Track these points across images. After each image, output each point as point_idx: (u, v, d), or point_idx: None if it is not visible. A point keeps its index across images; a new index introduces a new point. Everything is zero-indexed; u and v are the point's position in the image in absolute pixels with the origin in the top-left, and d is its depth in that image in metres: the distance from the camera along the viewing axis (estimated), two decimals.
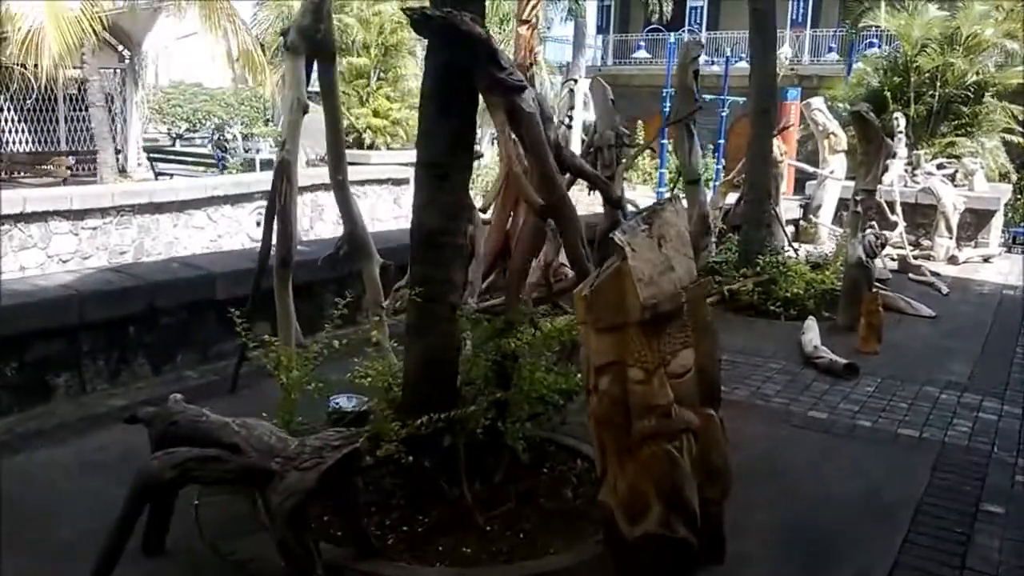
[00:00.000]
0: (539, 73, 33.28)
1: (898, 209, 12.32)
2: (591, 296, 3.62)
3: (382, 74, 20.81)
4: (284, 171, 4.61)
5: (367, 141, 19.81)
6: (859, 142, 9.97)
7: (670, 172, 30.59)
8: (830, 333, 8.10)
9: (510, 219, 8.31)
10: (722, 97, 28.93)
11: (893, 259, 12.13)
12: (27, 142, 20.42)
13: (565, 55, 38.53)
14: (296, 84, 4.67)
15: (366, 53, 20.00)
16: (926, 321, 8.93)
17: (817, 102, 13.75)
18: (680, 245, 3.72)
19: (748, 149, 9.81)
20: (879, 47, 18.98)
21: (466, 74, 4.06)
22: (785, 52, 12.16)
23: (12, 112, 20.11)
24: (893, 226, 12.30)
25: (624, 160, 5.96)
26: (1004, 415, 6.06)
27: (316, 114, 5.07)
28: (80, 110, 21.03)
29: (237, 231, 14.43)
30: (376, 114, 20.16)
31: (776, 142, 12.06)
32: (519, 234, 4.41)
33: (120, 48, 22.15)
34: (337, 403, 4.70)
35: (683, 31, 32.18)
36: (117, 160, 18.51)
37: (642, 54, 28.41)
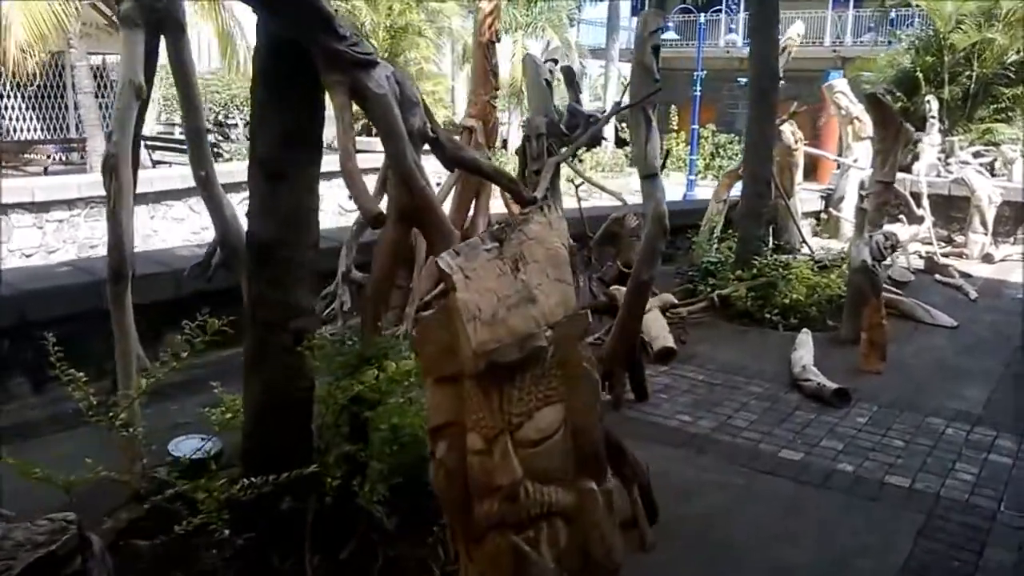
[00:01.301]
0: (568, 55, 32.34)
1: (924, 202, 11.20)
2: (419, 336, 2.76)
3: (392, 58, 20.02)
4: (111, 167, 3.81)
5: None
6: (875, 128, 8.89)
7: (702, 159, 29.43)
8: (832, 346, 7.13)
9: (468, 220, 7.47)
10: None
11: (921, 256, 11.03)
12: (35, 129, 19.96)
13: (599, 38, 37.43)
14: (130, 62, 3.87)
15: (374, 36, 19.25)
16: (945, 332, 7.87)
17: (840, 84, 12.61)
18: (552, 268, 2.83)
19: (746, 135, 8.82)
20: (897, 23, 17.60)
21: (303, 50, 3.20)
22: (797, 29, 11.01)
23: (17, 99, 19.68)
24: (920, 220, 11.20)
25: (563, 151, 5.07)
26: (1020, 458, 5.05)
27: None
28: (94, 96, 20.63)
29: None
30: None
31: (790, 127, 11.03)
32: (375, 249, 3.58)
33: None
34: (178, 448, 3.91)
35: (717, 11, 30.96)
36: None
37: (671, 35, 27.14)
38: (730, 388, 6.10)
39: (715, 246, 9.26)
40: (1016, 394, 6.18)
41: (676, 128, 31.09)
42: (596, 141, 5.91)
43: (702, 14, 27.37)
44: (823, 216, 12.94)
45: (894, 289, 8.63)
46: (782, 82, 22.13)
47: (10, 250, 10.57)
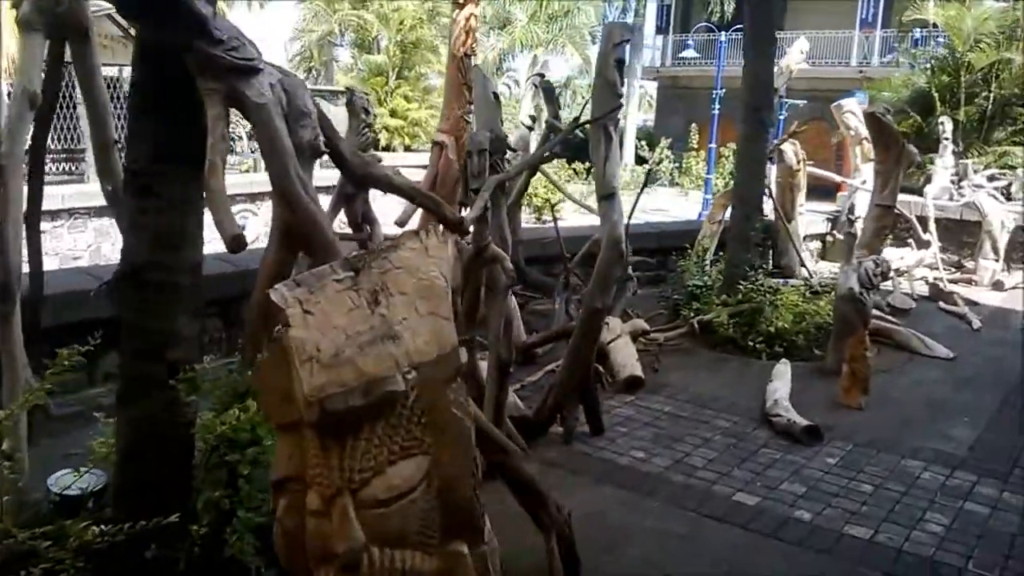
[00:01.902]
0: (588, 73, 31.99)
1: (931, 226, 10.74)
2: (256, 378, 2.47)
3: (403, 72, 19.89)
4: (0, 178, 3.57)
5: (383, 142, 18.91)
6: (875, 149, 8.54)
7: (720, 178, 29.04)
8: (815, 378, 6.75)
9: None
10: (781, 100, 27.27)
11: (928, 283, 10.58)
12: (54, 139, 19.88)
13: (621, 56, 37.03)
14: (27, 69, 3.64)
15: (386, 51, 19.11)
16: (940, 364, 7.43)
17: (849, 103, 12.18)
18: (424, 301, 2.52)
19: (736, 155, 8.48)
20: (922, 43, 17.12)
21: (178, 55, 2.93)
22: (801, 46, 10.65)
23: None
24: (927, 245, 10.75)
25: (506, 170, 4.76)
26: (999, 507, 4.64)
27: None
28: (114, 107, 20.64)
29: (216, 236, 13.61)
30: (394, 114, 19.23)
31: (792, 147, 10.67)
32: (259, 270, 3.30)
33: None
34: (58, 483, 3.63)
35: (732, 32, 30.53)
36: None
37: (690, 53, 26.81)
38: (696, 422, 5.74)
39: (707, 268, 8.91)
40: (1007, 434, 5.75)
41: (696, 147, 30.75)
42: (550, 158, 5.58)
43: (723, 33, 27.00)
44: (829, 239, 12.51)
45: (889, 317, 8.21)
46: (803, 102, 21.66)
47: None
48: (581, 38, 32.14)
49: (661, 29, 37.59)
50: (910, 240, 11.42)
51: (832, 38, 30.80)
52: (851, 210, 8.48)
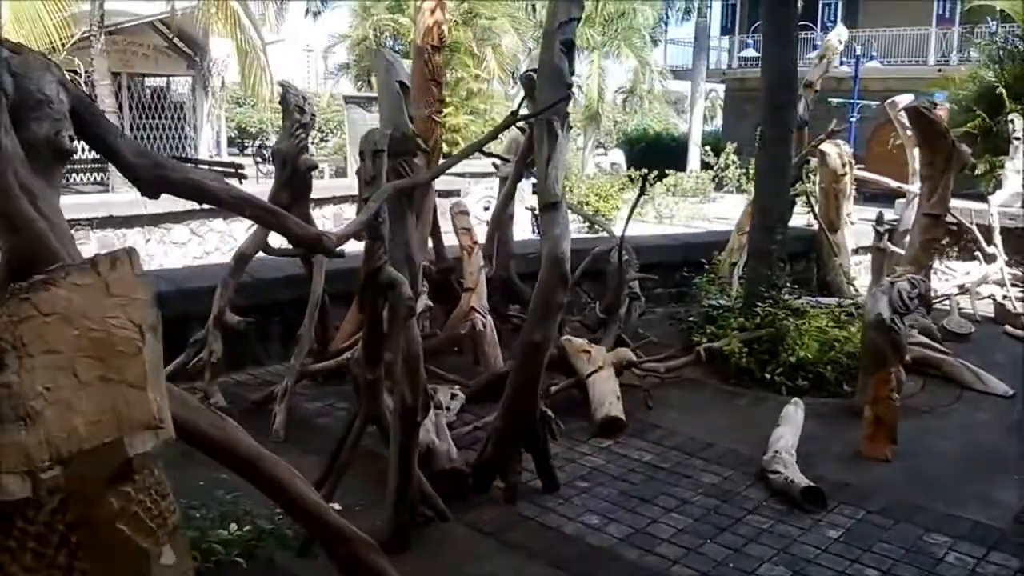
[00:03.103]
0: (645, 75, 30.87)
1: (996, 238, 9.46)
2: None
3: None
4: None
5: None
6: (921, 151, 7.45)
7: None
8: (841, 419, 5.71)
9: None
10: (852, 101, 25.69)
11: (996, 301, 9.32)
12: (85, 149, 19.91)
13: (685, 58, 35.86)
14: None
15: None
16: (996, 403, 6.27)
17: (905, 101, 10.96)
18: (89, 361, 1.72)
19: (756, 160, 7.48)
20: (995, 35, 15.60)
21: None
22: (838, 34, 9.54)
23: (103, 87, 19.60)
24: (991, 259, 9.49)
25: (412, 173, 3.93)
26: None
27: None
28: (151, 117, 20.58)
29: (232, 246, 13.08)
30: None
31: (835, 148, 9.55)
32: None
33: (192, 54, 21.47)
34: None
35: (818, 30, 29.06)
36: None
37: (750, 53, 25.55)
38: (677, 477, 4.79)
39: (729, 287, 7.91)
40: None
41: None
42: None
43: None
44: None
45: (937, 345, 7.06)
46: (877, 103, 20.00)
47: None
48: (640, 39, 31.03)
49: (727, 29, 36.23)
50: (977, 253, 10.16)
51: (908, 35, 29.12)
52: (879, 220, 7.34)
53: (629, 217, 6.78)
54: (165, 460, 1.84)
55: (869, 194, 16.26)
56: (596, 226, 14.66)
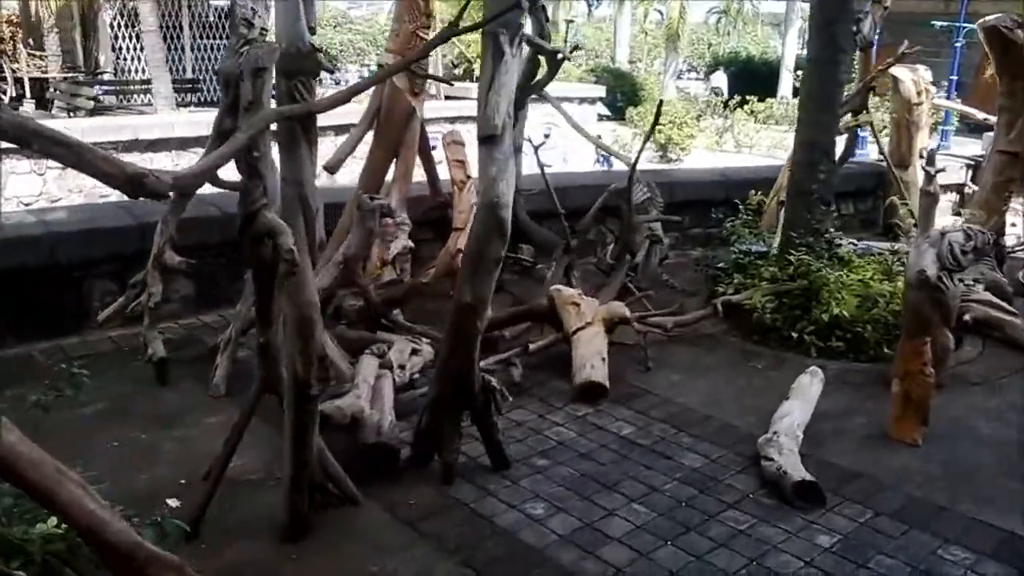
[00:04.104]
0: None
1: None
2: None
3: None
4: None
5: (476, 73, 17.47)
6: (999, 78, 6.33)
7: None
8: (876, 388, 4.91)
9: (391, 168, 5.80)
10: (958, 24, 23.48)
11: None
12: (143, 71, 19.67)
13: None
14: None
15: None
16: None
17: (1000, 20, 9.61)
18: None
19: (802, 84, 6.52)
20: None
21: None
22: None
23: (132, 39, 19.43)
24: None
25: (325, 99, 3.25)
26: None
27: None
28: (210, 38, 20.29)
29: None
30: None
31: (911, 73, 8.42)
32: None
33: None
34: None
35: None
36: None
37: None
38: (655, 456, 4.09)
39: (780, 228, 7.00)
40: None
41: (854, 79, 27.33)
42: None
43: None
44: (967, 191, 10.08)
45: (1004, 304, 6.06)
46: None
47: (6, 198, 9.84)
48: None
49: None
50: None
51: None
52: (930, 159, 6.23)
53: (641, 149, 5.96)
54: None
55: (972, 125, 14.71)
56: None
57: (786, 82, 29.90)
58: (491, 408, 3.80)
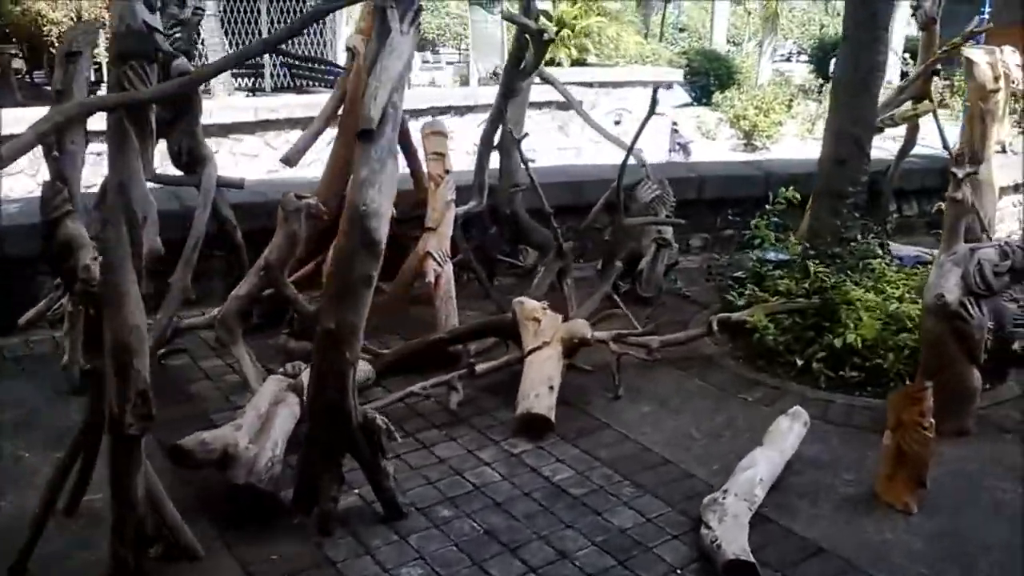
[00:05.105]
0: None
1: None
2: None
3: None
4: None
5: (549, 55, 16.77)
6: None
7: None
8: (875, 431, 4.12)
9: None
10: None
11: None
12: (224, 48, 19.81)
13: None
14: None
15: None
16: None
17: None
18: None
19: (835, 68, 5.72)
20: None
21: None
22: None
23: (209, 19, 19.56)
24: None
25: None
26: None
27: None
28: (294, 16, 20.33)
29: (310, 160, 12.38)
30: (560, 23, 16.87)
31: (986, 56, 7.38)
32: None
33: None
34: None
35: None
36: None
37: None
38: (583, 510, 3.49)
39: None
40: None
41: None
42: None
43: None
44: None
45: None
46: None
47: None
48: None
49: None
50: None
51: None
52: (960, 158, 5.19)
53: (636, 137, 5.28)
54: None
55: None
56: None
57: (892, 65, 28.06)
58: (377, 451, 3.27)
